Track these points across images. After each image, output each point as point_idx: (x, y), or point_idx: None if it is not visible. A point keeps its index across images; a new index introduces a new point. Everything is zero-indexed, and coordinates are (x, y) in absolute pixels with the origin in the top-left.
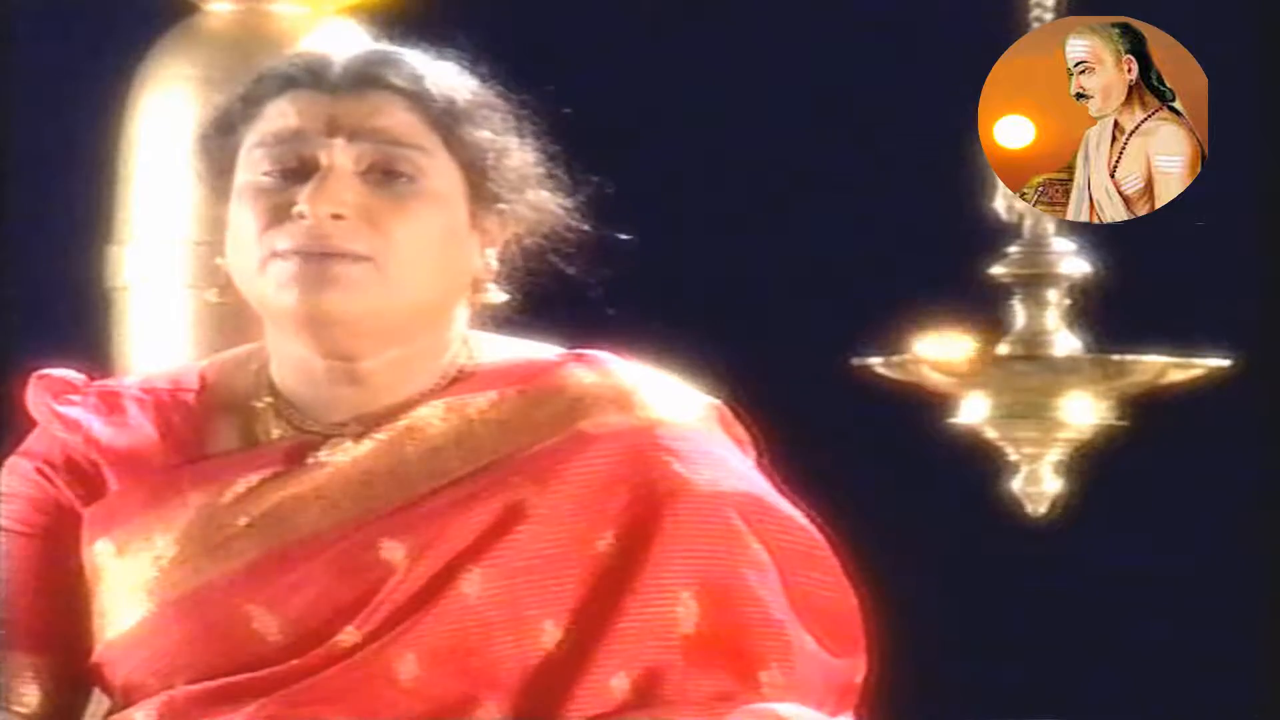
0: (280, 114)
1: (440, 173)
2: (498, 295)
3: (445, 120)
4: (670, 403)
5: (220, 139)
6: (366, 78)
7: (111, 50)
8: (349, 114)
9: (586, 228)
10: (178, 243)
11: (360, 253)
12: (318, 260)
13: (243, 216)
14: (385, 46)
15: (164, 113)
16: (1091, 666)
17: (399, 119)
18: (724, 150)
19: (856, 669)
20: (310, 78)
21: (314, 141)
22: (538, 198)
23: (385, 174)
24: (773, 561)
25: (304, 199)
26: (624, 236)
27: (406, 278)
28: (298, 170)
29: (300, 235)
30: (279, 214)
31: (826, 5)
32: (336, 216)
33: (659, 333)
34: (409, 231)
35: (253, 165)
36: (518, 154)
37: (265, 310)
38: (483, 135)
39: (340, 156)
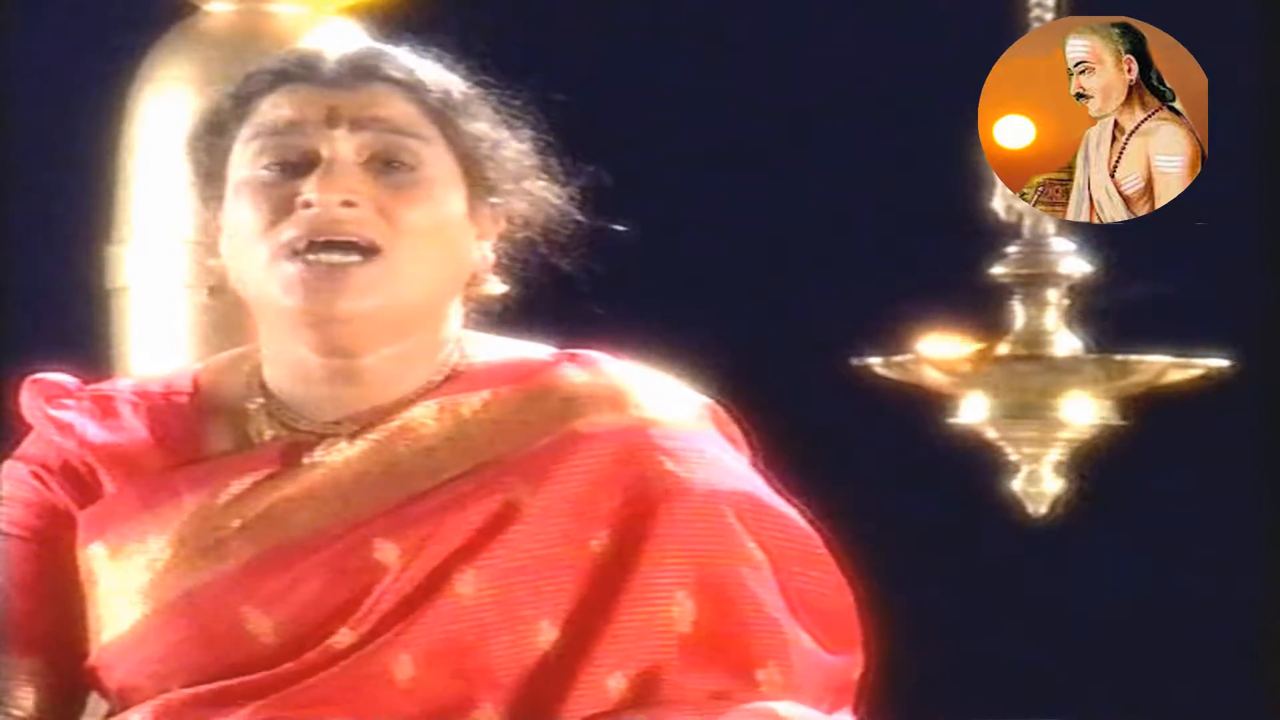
0: (275, 107)
1: (439, 162)
2: (496, 287)
3: (443, 111)
4: (664, 402)
5: (210, 139)
6: (362, 70)
7: (111, 50)
8: (348, 105)
9: (582, 219)
10: (177, 243)
11: (373, 240)
12: (326, 254)
13: (243, 213)
14: (376, 43)
15: (163, 113)
16: (1091, 666)
17: (398, 109)
18: (722, 148)
19: (854, 666)
20: (304, 71)
21: (314, 134)
22: (534, 189)
23: (386, 164)
24: (768, 560)
25: (311, 188)
26: (619, 228)
27: (413, 270)
28: (298, 164)
29: (308, 224)
30: (284, 207)
31: (827, 5)
32: (347, 204)
33: (656, 332)
34: (415, 221)
35: (250, 159)
36: (513, 145)
37: (267, 309)
38: (479, 126)
39: (343, 146)
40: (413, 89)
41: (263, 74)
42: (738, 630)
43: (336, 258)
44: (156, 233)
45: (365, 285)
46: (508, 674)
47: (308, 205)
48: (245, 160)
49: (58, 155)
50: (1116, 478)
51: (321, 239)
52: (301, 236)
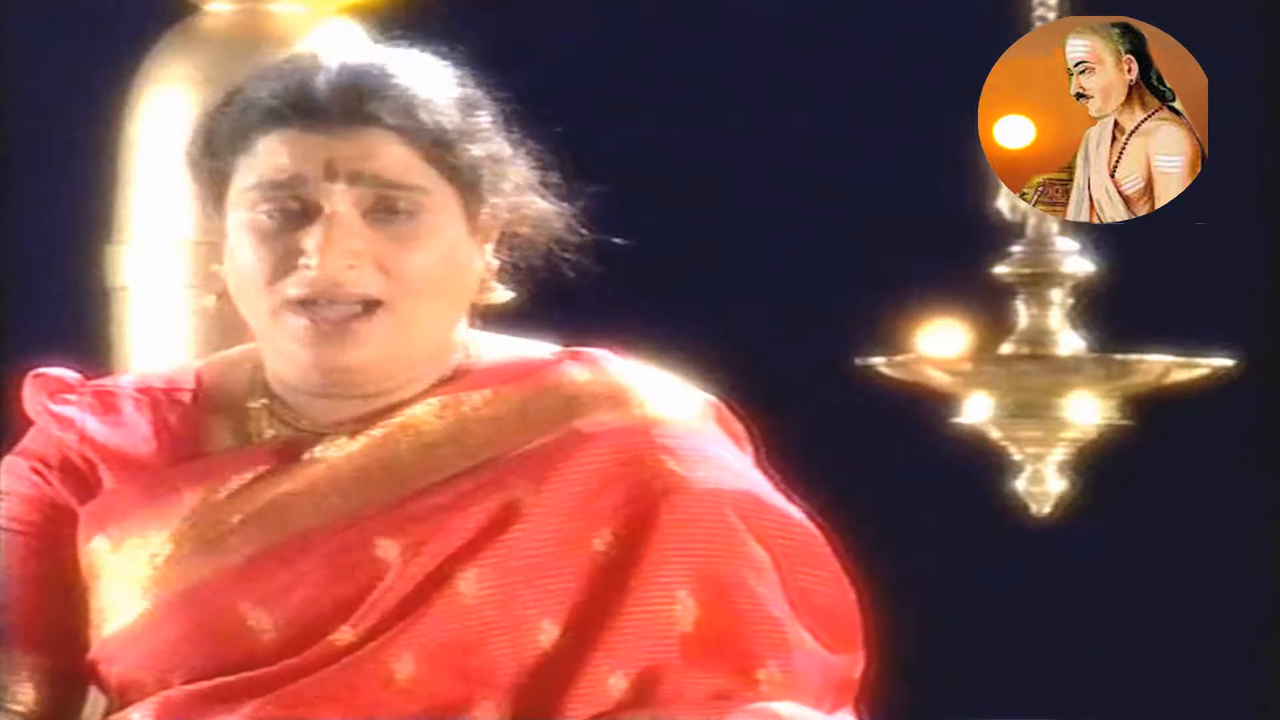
0: (272, 154)
1: (438, 206)
2: (502, 294)
3: (438, 151)
4: (666, 401)
5: (208, 163)
6: (357, 115)
7: (111, 50)
8: (345, 157)
9: (584, 232)
10: (178, 243)
11: (372, 295)
12: (330, 310)
13: (245, 256)
14: (369, 68)
15: (164, 113)
16: (1093, 666)
17: (395, 158)
18: (724, 148)
19: (855, 665)
20: (298, 115)
21: (313, 185)
22: (535, 205)
23: (386, 213)
24: (770, 559)
25: (312, 250)
26: (620, 241)
27: (418, 314)
28: (299, 213)
29: (309, 284)
30: (286, 262)
31: (827, 5)
32: (349, 265)
33: (659, 331)
34: (416, 269)
35: (250, 204)
36: (512, 164)
37: (273, 347)
38: (476, 154)
39: (342, 202)
40: (408, 133)
41: (255, 107)
42: (739, 630)
43: (341, 311)
44: (156, 233)
45: (370, 337)
46: (508, 673)
47: (309, 267)
48: (245, 202)
49: (58, 155)
50: (1120, 477)
51: (323, 299)
52: (302, 297)
